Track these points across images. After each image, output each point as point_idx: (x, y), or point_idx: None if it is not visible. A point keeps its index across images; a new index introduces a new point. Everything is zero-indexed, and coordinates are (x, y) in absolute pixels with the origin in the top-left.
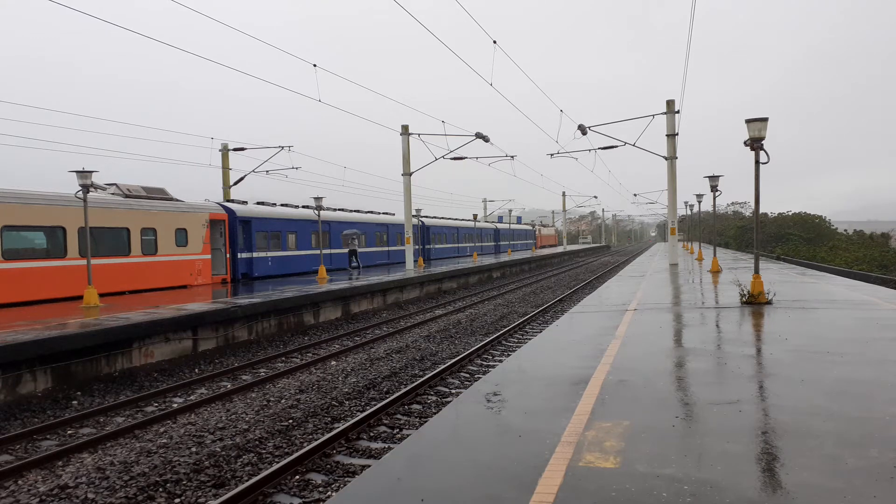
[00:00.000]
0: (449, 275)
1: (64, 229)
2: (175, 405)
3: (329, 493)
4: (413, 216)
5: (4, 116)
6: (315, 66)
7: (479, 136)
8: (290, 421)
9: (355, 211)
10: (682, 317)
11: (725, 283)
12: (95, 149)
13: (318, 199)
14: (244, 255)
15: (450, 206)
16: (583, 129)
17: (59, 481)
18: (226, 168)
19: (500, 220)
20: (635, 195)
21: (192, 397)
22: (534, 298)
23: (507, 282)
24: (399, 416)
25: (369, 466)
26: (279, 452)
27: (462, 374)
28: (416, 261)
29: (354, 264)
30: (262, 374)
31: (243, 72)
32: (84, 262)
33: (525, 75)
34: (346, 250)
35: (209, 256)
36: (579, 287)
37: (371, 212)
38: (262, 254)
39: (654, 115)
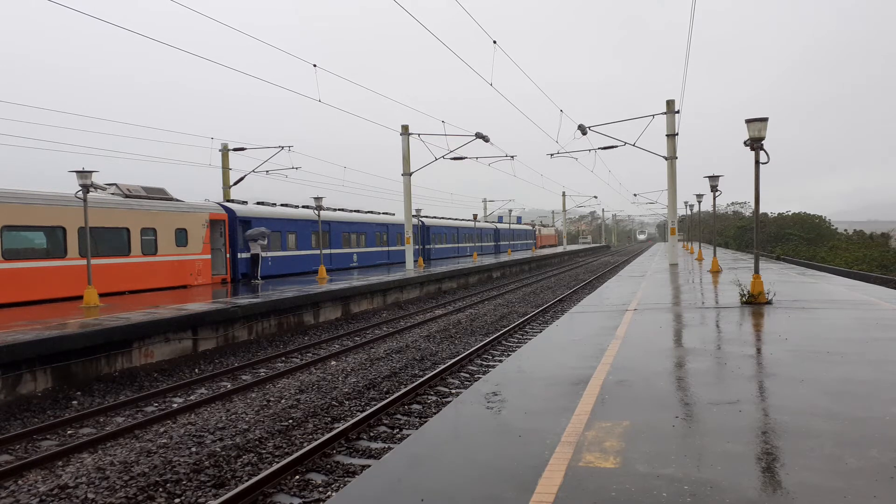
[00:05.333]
0: (449, 275)
1: (64, 229)
2: (175, 405)
3: (329, 493)
4: (413, 216)
5: (5, 116)
6: (315, 66)
7: (479, 136)
8: (290, 421)
9: (355, 211)
10: (682, 317)
11: (725, 283)
12: (95, 149)
13: (318, 199)
14: (244, 255)
15: (450, 206)
16: (583, 129)
17: (59, 481)
18: (226, 168)
19: (500, 219)
20: (635, 195)
21: (192, 397)
22: (534, 298)
23: (507, 282)
24: (399, 416)
25: (369, 466)
26: (279, 452)
27: (462, 374)
28: (416, 261)
29: (254, 278)
30: (262, 374)
31: (243, 72)
32: (84, 262)
33: (525, 75)
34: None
35: (209, 256)
36: (579, 287)
37: (371, 212)
38: (263, 253)
39: (654, 116)
